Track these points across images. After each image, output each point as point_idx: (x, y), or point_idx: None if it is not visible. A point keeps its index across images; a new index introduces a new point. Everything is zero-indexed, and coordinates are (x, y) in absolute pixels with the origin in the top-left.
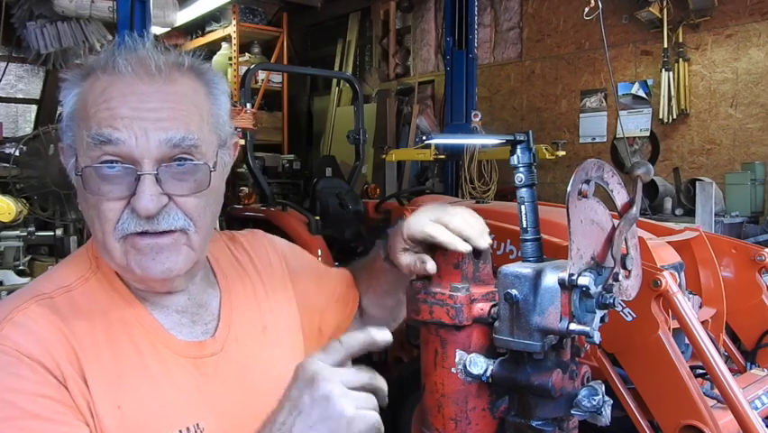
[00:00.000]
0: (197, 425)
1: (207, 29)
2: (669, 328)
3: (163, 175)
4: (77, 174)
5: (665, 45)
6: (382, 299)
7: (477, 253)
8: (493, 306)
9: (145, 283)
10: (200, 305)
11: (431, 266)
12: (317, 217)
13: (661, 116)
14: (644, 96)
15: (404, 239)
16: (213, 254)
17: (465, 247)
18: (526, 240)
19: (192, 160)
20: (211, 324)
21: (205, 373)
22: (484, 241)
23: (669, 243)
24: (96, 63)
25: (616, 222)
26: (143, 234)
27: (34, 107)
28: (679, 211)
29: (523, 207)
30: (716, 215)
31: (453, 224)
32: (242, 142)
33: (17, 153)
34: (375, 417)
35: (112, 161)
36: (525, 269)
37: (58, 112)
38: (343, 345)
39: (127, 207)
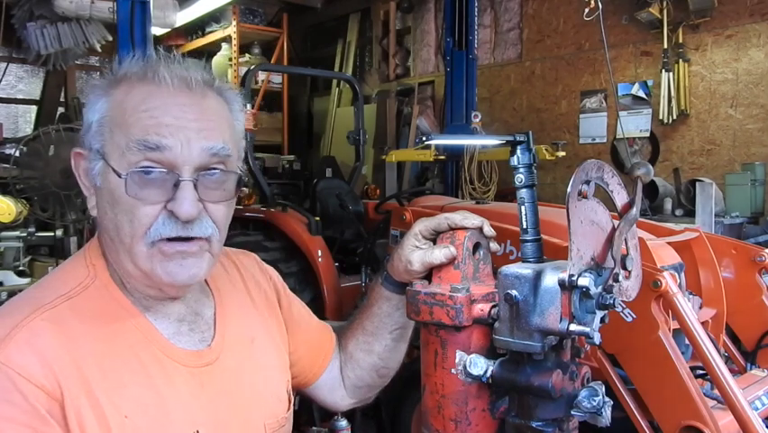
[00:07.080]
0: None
1: (207, 30)
2: (669, 329)
3: (200, 183)
4: (121, 177)
5: (665, 46)
6: (370, 343)
7: (475, 247)
8: (493, 306)
9: (162, 289)
10: (197, 313)
11: (452, 248)
12: (317, 218)
13: (661, 117)
14: (644, 96)
15: (414, 234)
16: None
17: (480, 221)
18: (526, 241)
19: (224, 169)
20: (207, 333)
21: (202, 382)
22: (488, 228)
23: (669, 243)
24: (130, 72)
25: (616, 223)
26: (173, 240)
27: (34, 108)
28: (679, 212)
29: (523, 207)
30: (716, 215)
31: (456, 218)
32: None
33: (17, 154)
34: None
35: (150, 168)
36: (525, 270)
37: (58, 112)
38: None
39: (162, 212)
